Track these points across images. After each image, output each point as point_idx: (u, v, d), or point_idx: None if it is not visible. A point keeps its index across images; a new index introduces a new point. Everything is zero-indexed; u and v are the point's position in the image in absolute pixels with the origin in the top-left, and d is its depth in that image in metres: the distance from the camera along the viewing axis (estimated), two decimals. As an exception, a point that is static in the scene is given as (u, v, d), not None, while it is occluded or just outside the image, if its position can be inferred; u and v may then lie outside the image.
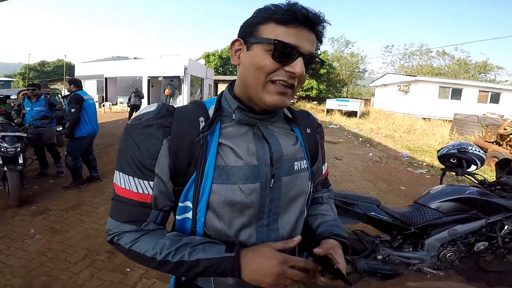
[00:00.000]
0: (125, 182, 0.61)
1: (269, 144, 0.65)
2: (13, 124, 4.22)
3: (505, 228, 2.00)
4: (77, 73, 19.29)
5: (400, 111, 15.97)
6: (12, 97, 7.44)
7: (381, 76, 21.64)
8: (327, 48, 29.89)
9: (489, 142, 6.56)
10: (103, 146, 6.45)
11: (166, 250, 0.58)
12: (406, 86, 16.99)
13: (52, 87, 13.22)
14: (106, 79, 18.55)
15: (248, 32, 0.60)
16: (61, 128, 5.57)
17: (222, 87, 28.00)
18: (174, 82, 18.61)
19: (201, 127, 0.61)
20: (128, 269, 2.32)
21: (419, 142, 8.63)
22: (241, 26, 0.63)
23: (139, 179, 0.60)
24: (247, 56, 0.60)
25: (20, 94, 6.75)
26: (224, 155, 0.61)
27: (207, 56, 34.66)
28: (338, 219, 0.82)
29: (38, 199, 3.66)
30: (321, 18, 0.59)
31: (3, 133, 3.54)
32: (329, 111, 16.10)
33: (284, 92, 0.59)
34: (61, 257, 2.48)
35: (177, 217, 0.64)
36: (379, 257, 1.84)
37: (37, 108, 4.29)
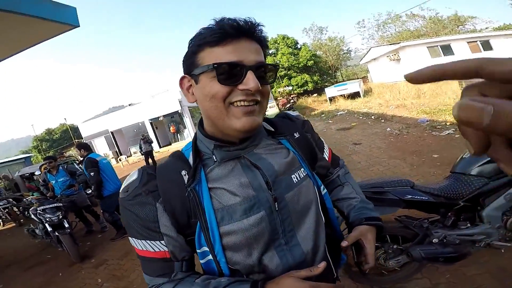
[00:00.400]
0: (141, 245, 0.64)
1: (260, 170, 0.64)
2: (47, 198, 4.48)
3: None
4: (83, 133, 19.85)
5: (400, 80, 15.72)
6: (36, 173, 7.78)
7: (367, 52, 21.45)
8: (305, 39, 29.84)
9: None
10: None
11: None
12: (395, 54, 16.85)
13: (67, 154, 13.64)
14: (112, 133, 18.98)
15: (190, 65, 0.60)
16: (90, 191, 5.83)
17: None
18: (175, 118, 18.84)
19: (186, 181, 0.62)
20: None
21: (433, 103, 8.43)
22: (183, 61, 0.63)
23: (151, 241, 0.63)
24: (198, 89, 0.60)
25: (42, 168, 7.08)
26: (219, 197, 0.62)
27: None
28: (365, 199, 0.83)
29: (95, 253, 4.08)
30: (253, 23, 0.57)
31: (42, 207, 3.96)
32: (331, 99, 16.00)
33: (251, 111, 0.58)
34: None
35: (201, 261, 0.65)
36: (435, 240, 1.66)
37: (61, 179, 4.62)
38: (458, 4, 62.45)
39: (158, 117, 17.32)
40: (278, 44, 24.85)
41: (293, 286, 0.55)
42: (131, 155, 17.74)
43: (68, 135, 32.37)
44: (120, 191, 0.66)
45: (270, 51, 25.26)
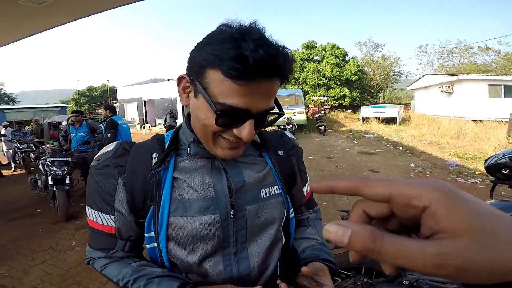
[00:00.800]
0: (93, 216, 0.65)
1: (227, 174, 0.62)
2: (61, 150, 4.67)
3: None
4: (119, 97, 20.93)
5: (445, 114, 14.65)
6: (63, 123, 8.26)
7: (419, 78, 20.18)
8: (356, 53, 28.71)
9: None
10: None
11: (126, 278, 0.61)
12: (449, 87, 15.58)
13: (99, 111, 14.44)
14: (144, 101, 19.84)
15: (194, 73, 0.52)
16: None
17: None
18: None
19: (153, 163, 0.61)
20: None
21: (470, 148, 7.75)
22: (188, 59, 0.54)
23: (102, 213, 0.64)
24: (193, 103, 0.55)
25: (70, 120, 7.49)
26: (180, 188, 0.61)
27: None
28: (325, 243, 0.78)
29: (82, 215, 4.11)
30: (285, 60, 0.48)
31: (52, 158, 4.05)
32: (364, 119, 15.33)
33: (236, 147, 0.56)
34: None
35: (147, 246, 0.65)
36: (405, 282, 1.58)
37: (80, 134, 4.76)
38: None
39: (189, 97, 17.84)
40: (326, 52, 24.19)
41: None
42: (155, 126, 18.41)
43: (106, 96, 34.26)
44: (95, 157, 0.67)
45: (315, 58, 24.78)
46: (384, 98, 30.35)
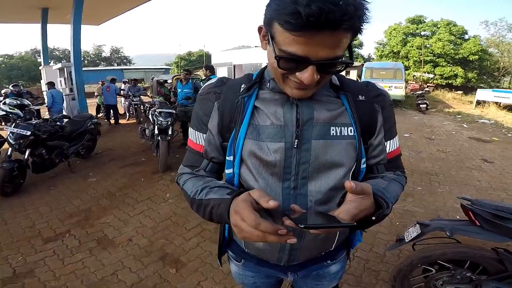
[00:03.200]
0: (191, 135, 0.77)
1: (298, 108, 0.65)
2: (167, 103, 5.31)
3: None
4: (213, 61, 22.59)
5: None
6: (168, 81, 9.44)
7: None
8: (480, 32, 22.94)
9: None
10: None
11: (196, 188, 0.67)
12: None
13: (197, 72, 15.95)
14: (234, 66, 20.94)
15: (266, 24, 0.55)
16: None
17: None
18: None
19: (240, 92, 0.69)
20: None
21: None
22: (265, 10, 0.55)
23: (198, 132, 0.75)
24: (268, 49, 0.59)
25: (174, 79, 8.50)
26: (258, 115, 0.68)
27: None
28: (391, 187, 0.68)
29: (178, 167, 4.51)
30: (350, 12, 0.45)
31: (160, 110, 4.50)
32: (479, 102, 12.66)
33: (304, 88, 0.58)
34: (181, 222, 2.90)
35: (226, 171, 0.73)
36: None
37: (186, 90, 5.33)
38: None
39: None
40: (438, 28, 20.53)
41: (239, 207, 0.51)
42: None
43: (202, 60, 37.45)
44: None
45: (423, 33, 21.21)
46: (510, 84, 24.25)
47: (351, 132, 0.66)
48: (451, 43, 19.52)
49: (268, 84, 0.69)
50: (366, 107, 0.70)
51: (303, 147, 0.64)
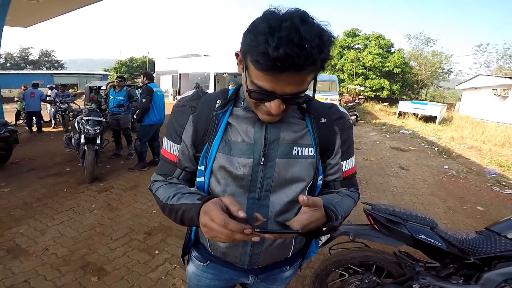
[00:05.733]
0: (166, 145, 0.80)
1: (267, 128, 0.71)
2: (98, 111, 4.94)
3: None
4: (157, 68, 21.66)
5: (493, 120, 13.37)
6: (102, 87, 8.79)
7: (471, 78, 18.30)
8: (403, 46, 26.51)
9: None
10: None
11: (168, 194, 0.71)
12: (505, 90, 14.02)
13: (138, 80, 15.07)
14: (179, 74, 20.37)
15: (242, 54, 0.61)
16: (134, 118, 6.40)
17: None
18: (238, 78, 19.43)
19: (216, 107, 0.74)
20: (157, 252, 2.45)
21: (515, 158, 7.06)
22: (242, 39, 0.61)
23: (172, 142, 0.79)
24: (243, 76, 0.64)
25: (108, 85, 7.95)
26: (230, 131, 0.73)
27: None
28: (344, 202, 0.74)
29: (107, 177, 4.20)
30: (314, 53, 0.50)
31: (87, 117, 4.19)
32: (401, 113, 14.47)
33: (271, 115, 0.64)
34: (106, 232, 2.76)
35: (197, 179, 0.78)
36: (415, 286, 1.57)
37: (118, 98, 4.99)
38: None
39: (223, 73, 18.07)
40: (370, 41, 22.75)
41: (209, 209, 0.54)
42: (187, 98, 19.13)
43: (145, 67, 35.72)
44: (176, 101, 0.83)
45: (357, 46, 23.45)
46: (426, 95, 28.24)
47: (311, 152, 0.74)
48: (379, 56, 21.46)
49: (243, 103, 0.75)
50: (327, 129, 0.77)
51: (268, 164, 0.71)
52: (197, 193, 0.70)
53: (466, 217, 3.57)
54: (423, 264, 1.68)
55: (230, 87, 19.41)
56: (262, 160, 0.70)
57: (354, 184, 0.86)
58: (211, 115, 0.74)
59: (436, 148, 7.94)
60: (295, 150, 0.72)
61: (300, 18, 0.52)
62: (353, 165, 0.85)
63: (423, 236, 1.53)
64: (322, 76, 13.11)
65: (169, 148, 0.79)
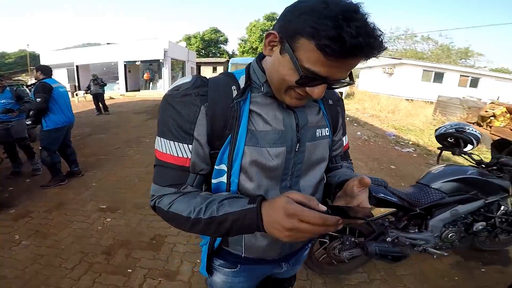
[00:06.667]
0: (166, 147, 0.65)
1: (295, 113, 0.69)
2: None
3: (501, 208, 2.01)
4: (44, 62, 17.91)
5: (384, 93, 16.13)
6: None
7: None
8: None
9: (471, 123, 6.70)
10: (81, 137, 6.04)
11: (197, 207, 0.60)
12: (391, 68, 17.15)
13: (15, 78, 12.17)
14: (77, 67, 17.47)
15: (287, 34, 0.55)
16: (30, 122, 5.07)
17: (205, 70, 27.14)
18: (153, 66, 17.92)
19: (234, 95, 0.65)
20: (130, 270, 2.15)
21: (404, 122, 8.75)
22: (283, 16, 0.57)
23: (179, 143, 0.64)
24: (277, 58, 0.59)
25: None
26: (254, 120, 0.66)
27: (188, 39, 33.71)
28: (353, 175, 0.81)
29: (17, 201, 3.26)
30: (378, 47, 0.51)
31: None
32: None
33: (303, 98, 0.62)
34: (55, 263, 2.24)
35: (213, 181, 0.68)
36: (389, 239, 1.81)
37: (2, 101, 3.78)
38: (477, 39, 65.00)
39: (135, 61, 16.35)
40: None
41: (283, 205, 0.51)
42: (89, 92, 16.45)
43: (24, 62, 29.08)
44: (168, 89, 0.67)
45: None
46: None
47: (327, 132, 0.76)
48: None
49: (262, 88, 0.67)
50: (333, 109, 0.81)
51: (300, 149, 0.70)
52: (234, 197, 0.62)
53: (385, 175, 4.08)
54: (387, 220, 1.93)
55: (146, 76, 17.69)
56: (297, 147, 0.69)
57: (349, 157, 0.95)
58: (230, 104, 0.64)
59: (347, 118, 9.13)
60: (318, 132, 0.74)
61: (364, 13, 0.51)
62: (347, 140, 0.93)
63: (381, 195, 1.70)
64: (248, 59, 13.09)
65: (172, 150, 0.64)
